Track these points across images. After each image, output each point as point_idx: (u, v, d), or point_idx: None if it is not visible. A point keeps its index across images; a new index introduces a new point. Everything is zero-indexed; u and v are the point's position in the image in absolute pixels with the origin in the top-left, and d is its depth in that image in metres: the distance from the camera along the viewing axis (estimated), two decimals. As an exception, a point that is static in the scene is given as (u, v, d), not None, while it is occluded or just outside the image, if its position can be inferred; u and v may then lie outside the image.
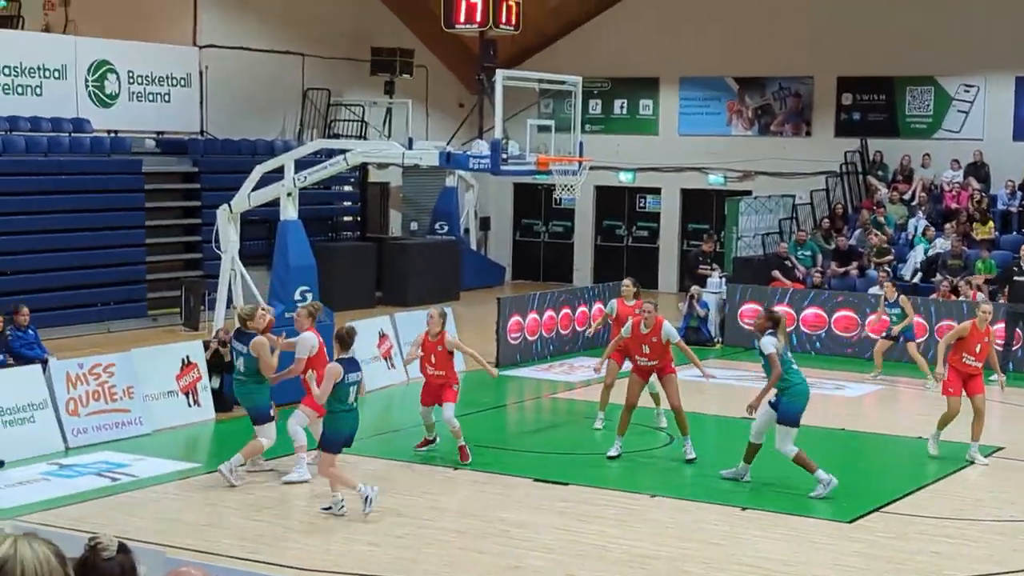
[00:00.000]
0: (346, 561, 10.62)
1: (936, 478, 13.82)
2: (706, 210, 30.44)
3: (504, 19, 27.45)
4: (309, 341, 13.16)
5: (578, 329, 21.86)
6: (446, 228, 29.93)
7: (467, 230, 31.13)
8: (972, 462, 14.45)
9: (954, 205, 25.67)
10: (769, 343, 12.74)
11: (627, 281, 16.40)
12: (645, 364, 14.29)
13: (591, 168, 21.13)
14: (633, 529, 11.68)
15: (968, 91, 27.53)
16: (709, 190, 30.35)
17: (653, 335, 14.15)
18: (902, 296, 19.83)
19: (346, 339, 11.83)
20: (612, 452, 14.36)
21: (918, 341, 19.84)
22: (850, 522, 12.05)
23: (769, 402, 12.98)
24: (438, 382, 14.06)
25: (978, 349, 14.41)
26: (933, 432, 14.63)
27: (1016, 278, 20.24)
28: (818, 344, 21.80)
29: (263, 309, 14.01)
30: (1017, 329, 20.01)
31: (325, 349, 13.23)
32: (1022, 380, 19.25)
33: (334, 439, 11.75)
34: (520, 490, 13.06)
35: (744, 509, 12.36)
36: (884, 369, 19.63)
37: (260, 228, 23.47)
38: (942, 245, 24.06)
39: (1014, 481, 13.89)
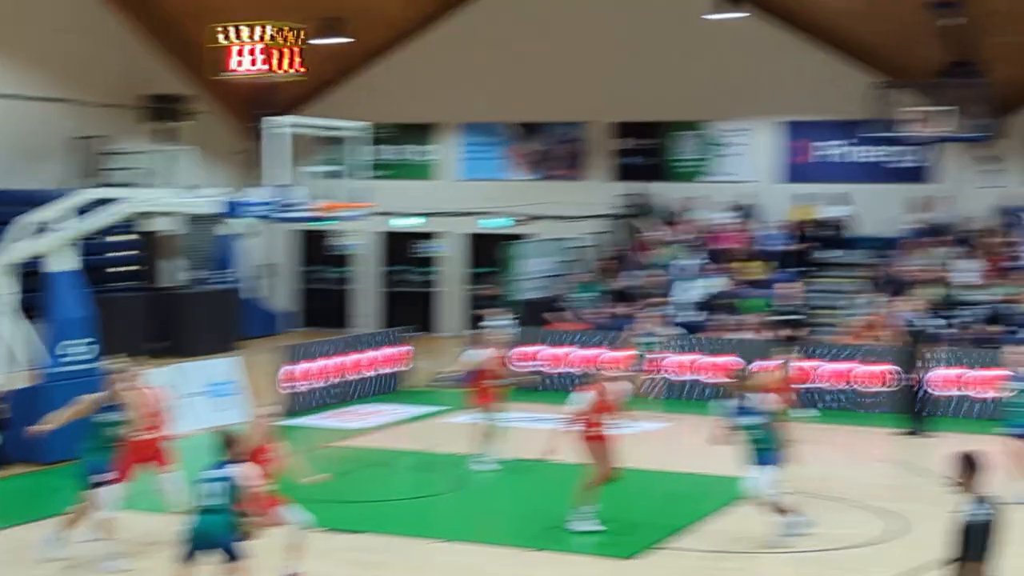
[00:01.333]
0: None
1: (714, 512, 14.19)
2: (489, 254, 30.77)
3: (283, 65, 27.32)
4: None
5: (365, 375, 21.80)
6: (228, 276, 29.53)
7: (250, 278, 30.78)
8: None
9: (725, 246, 26.55)
10: None
11: None
12: None
13: (374, 214, 21.18)
14: (425, 575, 11.69)
15: (735, 135, 28.57)
16: (491, 234, 30.71)
17: None
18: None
19: (224, 442, 10.37)
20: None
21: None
22: (628, 558, 12.29)
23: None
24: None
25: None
26: None
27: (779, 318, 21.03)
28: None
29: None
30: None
31: None
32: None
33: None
34: (310, 540, 12.92)
35: (535, 550, 12.48)
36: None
37: (35, 279, 22.71)
38: (714, 285, 24.86)
39: (788, 512, 14.37)
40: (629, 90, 29.02)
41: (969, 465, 7.71)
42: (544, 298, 25.70)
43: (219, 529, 9.98)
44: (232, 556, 10.02)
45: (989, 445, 16.40)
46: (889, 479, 16.30)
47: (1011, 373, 15.45)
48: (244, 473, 10.17)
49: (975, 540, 7.42)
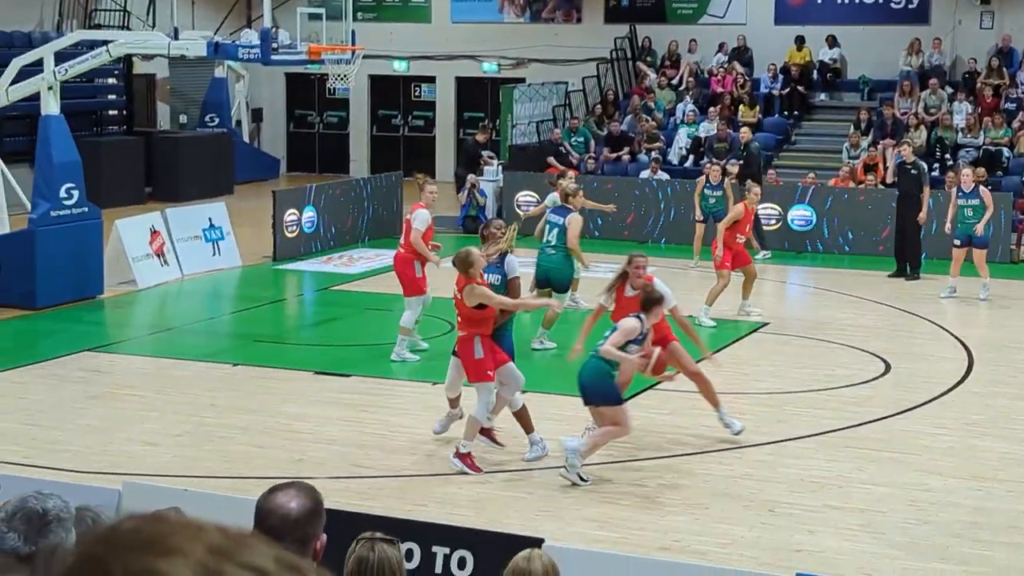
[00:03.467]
0: (125, 461, 10.47)
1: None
2: (481, 98, 30.48)
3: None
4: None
5: (362, 219, 21.72)
6: (217, 120, 29.29)
7: (239, 122, 30.52)
8: (748, 315, 15.94)
9: (719, 89, 26.29)
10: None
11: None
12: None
13: (364, 57, 20.87)
14: (416, 417, 11.79)
15: (732, -23, 28.08)
16: (483, 78, 30.37)
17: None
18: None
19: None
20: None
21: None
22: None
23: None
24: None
25: (748, 228, 16.28)
26: (703, 308, 15.37)
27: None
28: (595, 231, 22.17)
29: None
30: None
31: None
32: (779, 257, 20.17)
33: None
34: (301, 384, 13.03)
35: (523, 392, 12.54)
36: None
37: (20, 124, 22.56)
38: (708, 129, 24.67)
39: (779, 355, 14.50)
40: (623, -71, 28.43)
41: None
42: (536, 143, 25.52)
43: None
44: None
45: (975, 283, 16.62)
46: (880, 320, 16.39)
47: (961, 191, 17.69)
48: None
49: None
